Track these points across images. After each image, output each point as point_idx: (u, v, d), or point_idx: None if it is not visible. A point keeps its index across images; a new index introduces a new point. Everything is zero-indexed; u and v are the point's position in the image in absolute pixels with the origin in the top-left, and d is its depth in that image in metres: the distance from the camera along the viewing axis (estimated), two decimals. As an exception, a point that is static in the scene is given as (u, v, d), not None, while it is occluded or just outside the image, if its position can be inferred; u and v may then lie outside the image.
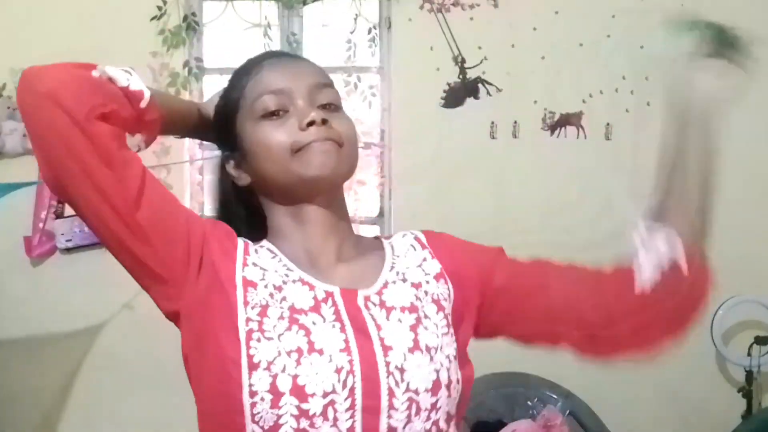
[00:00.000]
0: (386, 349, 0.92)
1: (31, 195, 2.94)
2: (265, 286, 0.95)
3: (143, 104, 0.94)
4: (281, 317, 0.92)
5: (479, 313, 1.03)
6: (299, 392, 0.87)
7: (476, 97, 3.05)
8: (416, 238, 1.07)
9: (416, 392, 0.91)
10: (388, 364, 0.91)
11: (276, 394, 0.87)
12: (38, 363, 3.05)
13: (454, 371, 0.95)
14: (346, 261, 1.01)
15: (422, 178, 3.02)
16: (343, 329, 0.93)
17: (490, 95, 3.05)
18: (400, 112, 3.04)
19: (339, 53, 3.08)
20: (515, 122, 3.05)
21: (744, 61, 0.97)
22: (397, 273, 1.01)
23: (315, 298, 0.95)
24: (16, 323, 3.03)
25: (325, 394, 0.88)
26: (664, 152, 0.99)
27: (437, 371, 0.93)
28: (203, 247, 0.95)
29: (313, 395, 0.87)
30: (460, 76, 3.05)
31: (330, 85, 1.03)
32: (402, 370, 0.91)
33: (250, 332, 0.90)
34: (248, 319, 0.91)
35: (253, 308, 0.92)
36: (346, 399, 0.89)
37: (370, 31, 3.10)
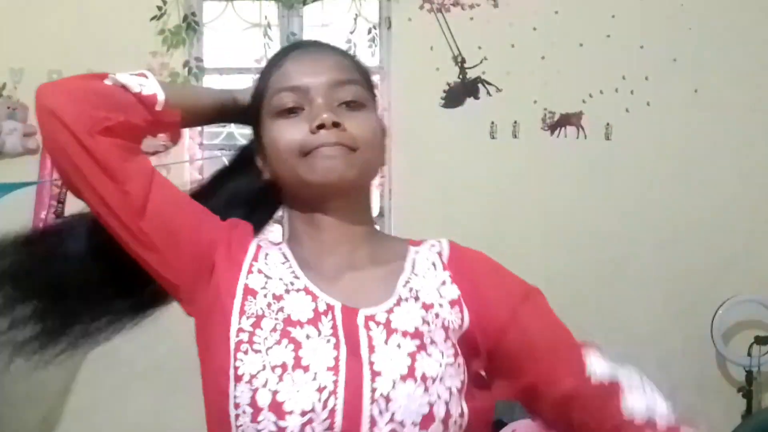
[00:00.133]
0: (374, 374, 0.86)
1: (31, 195, 2.93)
2: (265, 296, 0.93)
3: (158, 107, 0.96)
4: (274, 329, 0.90)
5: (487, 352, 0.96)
6: (277, 409, 0.85)
7: (476, 97, 3.05)
8: (439, 254, 0.99)
9: (402, 424, 0.85)
10: (374, 390, 0.86)
11: (255, 408, 0.85)
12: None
13: (455, 404, 0.88)
14: (359, 269, 0.97)
15: (422, 178, 3.03)
16: (337, 346, 0.89)
17: (489, 95, 3.05)
18: (400, 112, 3.03)
19: (339, 53, 3.08)
20: (515, 122, 3.05)
21: None
22: (411, 290, 0.95)
23: (315, 309, 0.92)
24: (15, 323, 3.03)
25: (304, 413, 0.84)
26: None
27: (431, 404, 0.86)
28: (214, 254, 0.95)
29: (291, 413, 0.84)
30: (460, 76, 3.05)
31: (354, 81, 0.97)
32: (388, 399, 0.85)
33: (239, 344, 0.89)
34: (240, 330, 0.90)
35: (248, 318, 0.91)
36: (324, 420, 0.84)
37: (370, 31, 3.11)
